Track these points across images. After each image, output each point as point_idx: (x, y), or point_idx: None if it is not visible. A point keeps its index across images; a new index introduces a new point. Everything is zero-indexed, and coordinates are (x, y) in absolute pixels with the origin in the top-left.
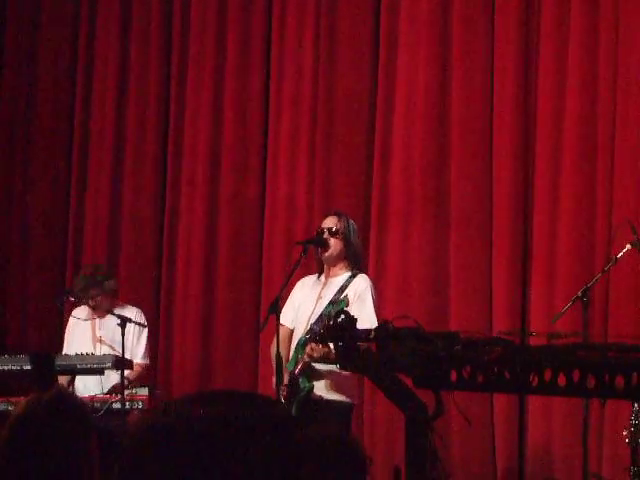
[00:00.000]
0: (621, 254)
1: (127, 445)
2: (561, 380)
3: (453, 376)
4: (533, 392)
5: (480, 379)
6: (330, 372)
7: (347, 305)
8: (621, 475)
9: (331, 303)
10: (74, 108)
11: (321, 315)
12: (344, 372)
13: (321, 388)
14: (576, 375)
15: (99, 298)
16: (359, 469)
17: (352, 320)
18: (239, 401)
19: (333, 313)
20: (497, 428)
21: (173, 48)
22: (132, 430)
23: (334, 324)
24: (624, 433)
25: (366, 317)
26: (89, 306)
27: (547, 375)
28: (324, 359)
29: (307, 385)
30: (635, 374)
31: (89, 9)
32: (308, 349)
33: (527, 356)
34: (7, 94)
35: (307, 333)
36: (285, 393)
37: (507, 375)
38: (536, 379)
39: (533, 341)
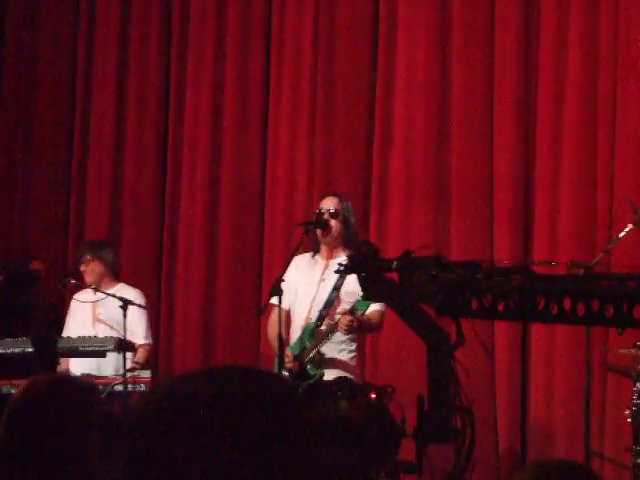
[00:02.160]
0: (623, 234)
1: (130, 422)
2: (580, 309)
3: (474, 304)
4: (553, 321)
5: (501, 308)
6: (335, 358)
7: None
8: (623, 454)
9: (336, 288)
10: (75, 94)
11: (327, 301)
12: (349, 355)
13: (329, 374)
14: (595, 304)
15: (92, 264)
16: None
17: (375, 250)
18: (244, 375)
19: (359, 308)
20: (499, 406)
21: (173, 33)
22: (135, 408)
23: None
24: (626, 412)
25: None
26: (83, 277)
27: (567, 304)
28: (360, 328)
29: (317, 372)
30: None
31: None
32: (345, 322)
33: (547, 285)
34: (8, 82)
35: (317, 320)
36: (292, 372)
37: (527, 304)
38: (556, 308)
39: (554, 271)
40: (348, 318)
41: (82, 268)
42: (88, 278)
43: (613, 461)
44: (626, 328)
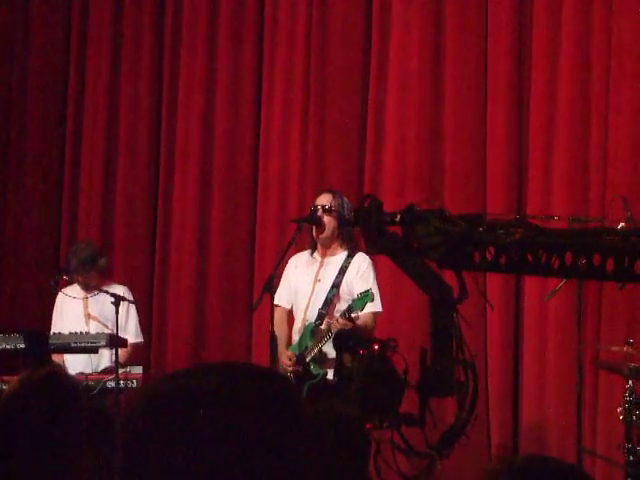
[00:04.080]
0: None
1: (126, 419)
2: (582, 263)
3: (476, 257)
4: (554, 274)
5: (503, 261)
6: None
7: (372, 300)
8: (615, 451)
9: (335, 286)
10: (67, 94)
11: (326, 299)
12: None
13: (331, 372)
14: (597, 259)
15: (91, 274)
16: (362, 447)
17: (379, 204)
18: (243, 371)
19: (357, 306)
20: (491, 404)
21: (165, 31)
22: (132, 404)
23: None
24: (618, 410)
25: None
26: (79, 283)
27: (568, 258)
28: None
29: (320, 372)
30: None
31: None
32: (339, 325)
33: (549, 238)
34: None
35: (316, 319)
36: (293, 374)
37: (529, 257)
38: (557, 262)
39: (555, 225)
40: (341, 322)
41: (82, 280)
42: (89, 289)
43: (605, 458)
44: (627, 283)
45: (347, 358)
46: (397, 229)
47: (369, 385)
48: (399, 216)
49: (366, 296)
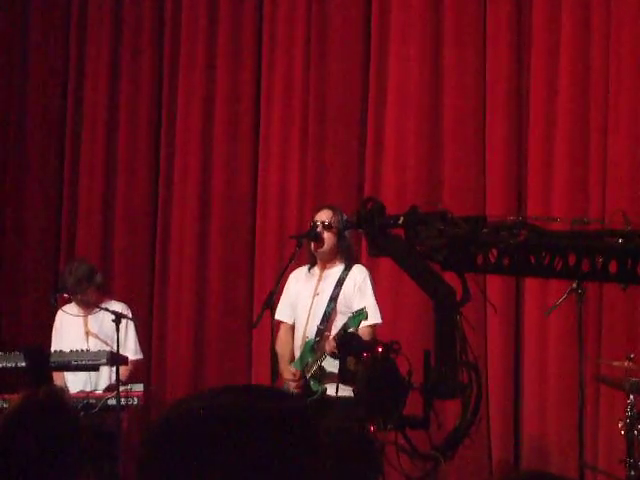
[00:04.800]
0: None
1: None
2: (585, 265)
3: (479, 259)
4: (557, 276)
5: (506, 262)
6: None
7: (366, 318)
8: (616, 466)
9: (332, 300)
10: (66, 104)
11: (325, 314)
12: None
13: (332, 388)
14: (599, 261)
15: (89, 292)
16: (374, 462)
17: (381, 207)
18: (250, 393)
19: (351, 325)
20: (492, 419)
21: (164, 44)
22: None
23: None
24: (619, 425)
25: (369, 308)
26: (77, 301)
27: (571, 259)
28: None
29: (320, 388)
30: None
31: None
32: (331, 348)
33: (552, 240)
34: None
35: (316, 335)
36: (297, 391)
37: (532, 259)
38: (560, 263)
39: (557, 227)
40: (333, 344)
41: (80, 298)
42: (87, 307)
43: (607, 474)
44: (629, 284)
45: (351, 361)
46: (400, 231)
47: (373, 387)
48: (402, 218)
49: (360, 314)
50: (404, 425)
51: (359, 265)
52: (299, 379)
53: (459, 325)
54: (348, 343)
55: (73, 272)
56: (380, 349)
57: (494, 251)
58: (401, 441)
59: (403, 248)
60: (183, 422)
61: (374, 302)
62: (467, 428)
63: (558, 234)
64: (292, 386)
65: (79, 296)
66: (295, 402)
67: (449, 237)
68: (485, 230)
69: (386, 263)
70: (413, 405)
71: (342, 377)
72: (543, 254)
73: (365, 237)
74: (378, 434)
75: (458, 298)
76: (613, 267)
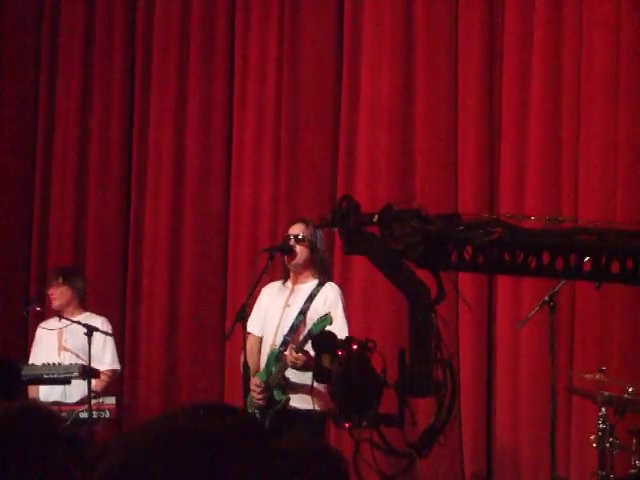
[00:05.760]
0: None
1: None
2: (559, 263)
3: (454, 257)
4: (531, 274)
5: (480, 260)
6: (303, 384)
7: (331, 323)
8: (588, 479)
9: (302, 313)
10: (37, 117)
11: (292, 326)
12: (316, 383)
13: (295, 399)
14: (574, 258)
15: (62, 288)
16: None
17: (356, 205)
18: (205, 413)
19: (315, 330)
20: (465, 431)
21: (136, 58)
22: (109, 457)
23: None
24: (592, 437)
25: (337, 328)
26: (48, 304)
27: (545, 258)
28: (306, 367)
29: (282, 397)
30: (631, 259)
31: None
32: (291, 358)
33: (527, 238)
34: None
35: (281, 345)
36: (262, 402)
37: (507, 257)
38: (535, 261)
39: (532, 225)
40: (294, 356)
41: (50, 291)
42: (55, 302)
43: None
44: (603, 283)
45: (326, 359)
46: (375, 229)
47: (348, 384)
48: (377, 216)
49: (325, 320)
50: (379, 423)
51: (332, 283)
52: (263, 390)
53: (434, 323)
54: (323, 341)
55: (59, 267)
56: (355, 347)
57: (469, 249)
58: (376, 438)
59: (378, 246)
60: (143, 450)
61: (344, 322)
62: (442, 425)
63: (533, 232)
64: (256, 397)
65: (49, 291)
66: (246, 420)
67: (424, 234)
68: (460, 227)
69: (357, 281)
70: (388, 403)
71: (317, 375)
72: (517, 252)
73: (339, 236)
74: (353, 432)
75: (433, 296)
76: (587, 265)
